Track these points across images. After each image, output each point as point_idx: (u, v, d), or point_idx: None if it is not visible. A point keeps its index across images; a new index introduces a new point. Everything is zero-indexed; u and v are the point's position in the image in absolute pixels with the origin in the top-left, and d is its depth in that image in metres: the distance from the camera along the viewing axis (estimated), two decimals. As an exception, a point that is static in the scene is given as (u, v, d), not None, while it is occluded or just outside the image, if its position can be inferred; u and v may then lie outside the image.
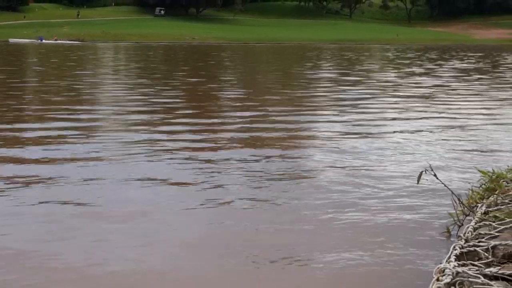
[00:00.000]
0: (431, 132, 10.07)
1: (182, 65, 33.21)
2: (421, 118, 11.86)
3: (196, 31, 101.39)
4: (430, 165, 4.34)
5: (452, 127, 10.68)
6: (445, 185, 4.39)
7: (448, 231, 4.57)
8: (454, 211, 4.56)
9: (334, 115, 12.51)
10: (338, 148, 8.47)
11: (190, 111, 13.40)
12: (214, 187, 6.32)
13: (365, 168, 7.09)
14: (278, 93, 17.27)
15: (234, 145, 8.96)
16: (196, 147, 8.55)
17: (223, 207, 5.70)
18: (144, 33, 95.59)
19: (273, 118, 11.74)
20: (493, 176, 5.08)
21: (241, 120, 11.58)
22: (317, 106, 14.48)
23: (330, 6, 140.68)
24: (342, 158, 7.71)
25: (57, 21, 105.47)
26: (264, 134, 9.83)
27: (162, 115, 12.10)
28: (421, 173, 4.31)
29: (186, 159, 7.66)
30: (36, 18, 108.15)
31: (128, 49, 58.44)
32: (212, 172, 6.92)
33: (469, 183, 5.34)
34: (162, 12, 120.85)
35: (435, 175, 4.32)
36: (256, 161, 7.58)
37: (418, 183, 4.35)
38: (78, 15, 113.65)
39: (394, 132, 10.08)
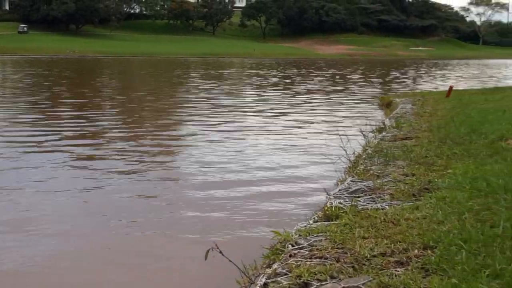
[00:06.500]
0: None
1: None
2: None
3: (76, 45, 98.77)
4: (215, 244, 4.17)
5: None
6: (229, 260, 4.24)
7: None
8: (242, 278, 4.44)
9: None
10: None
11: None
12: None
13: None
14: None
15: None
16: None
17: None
18: (29, 47, 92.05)
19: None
20: (282, 239, 4.98)
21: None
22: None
23: (195, 24, 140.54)
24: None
25: None
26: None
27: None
28: (208, 251, 4.15)
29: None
30: None
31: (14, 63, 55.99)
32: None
33: (262, 245, 5.12)
34: (25, 28, 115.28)
35: (220, 252, 4.18)
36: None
37: (206, 259, 4.17)
38: None
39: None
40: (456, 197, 5.47)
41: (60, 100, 20.40)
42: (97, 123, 14.83)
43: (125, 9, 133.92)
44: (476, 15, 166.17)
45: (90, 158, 10.42)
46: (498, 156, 7.23)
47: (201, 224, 6.55)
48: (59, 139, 12.09)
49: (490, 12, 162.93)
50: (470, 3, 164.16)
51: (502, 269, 3.67)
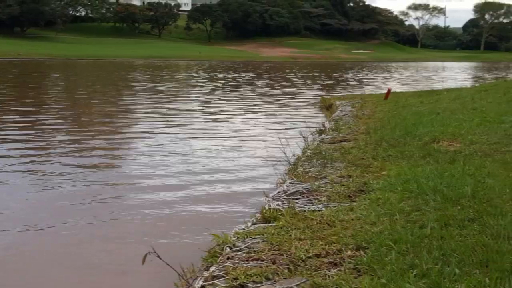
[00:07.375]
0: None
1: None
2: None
3: (21, 48, 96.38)
4: (153, 248, 4.15)
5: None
6: (167, 264, 4.22)
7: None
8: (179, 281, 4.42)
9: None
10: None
11: None
12: None
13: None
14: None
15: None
16: None
17: None
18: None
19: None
20: (220, 241, 4.98)
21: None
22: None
23: (141, 27, 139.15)
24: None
25: None
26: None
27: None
28: (145, 256, 4.11)
29: None
30: None
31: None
32: None
33: (200, 248, 5.08)
34: None
35: (158, 256, 4.15)
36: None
37: (143, 264, 4.13)
38: None
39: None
40: (389, 198, 5.58)
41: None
42: (41, 126, 14.54)
43: (71, 12, 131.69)
44: (415, 19, 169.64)
45: (33, 158, 10.21)
46: (430, 158, 7.41)
47: (140, 227, 6.49)
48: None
49: (428, 16, 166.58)
50: (409, 8, 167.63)
51: (429, 269, 3.76)
